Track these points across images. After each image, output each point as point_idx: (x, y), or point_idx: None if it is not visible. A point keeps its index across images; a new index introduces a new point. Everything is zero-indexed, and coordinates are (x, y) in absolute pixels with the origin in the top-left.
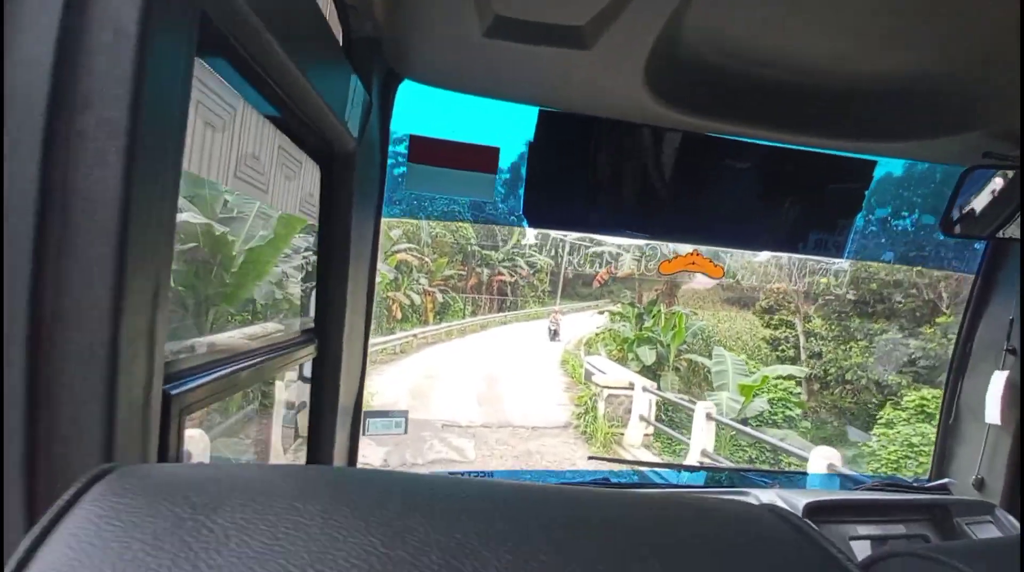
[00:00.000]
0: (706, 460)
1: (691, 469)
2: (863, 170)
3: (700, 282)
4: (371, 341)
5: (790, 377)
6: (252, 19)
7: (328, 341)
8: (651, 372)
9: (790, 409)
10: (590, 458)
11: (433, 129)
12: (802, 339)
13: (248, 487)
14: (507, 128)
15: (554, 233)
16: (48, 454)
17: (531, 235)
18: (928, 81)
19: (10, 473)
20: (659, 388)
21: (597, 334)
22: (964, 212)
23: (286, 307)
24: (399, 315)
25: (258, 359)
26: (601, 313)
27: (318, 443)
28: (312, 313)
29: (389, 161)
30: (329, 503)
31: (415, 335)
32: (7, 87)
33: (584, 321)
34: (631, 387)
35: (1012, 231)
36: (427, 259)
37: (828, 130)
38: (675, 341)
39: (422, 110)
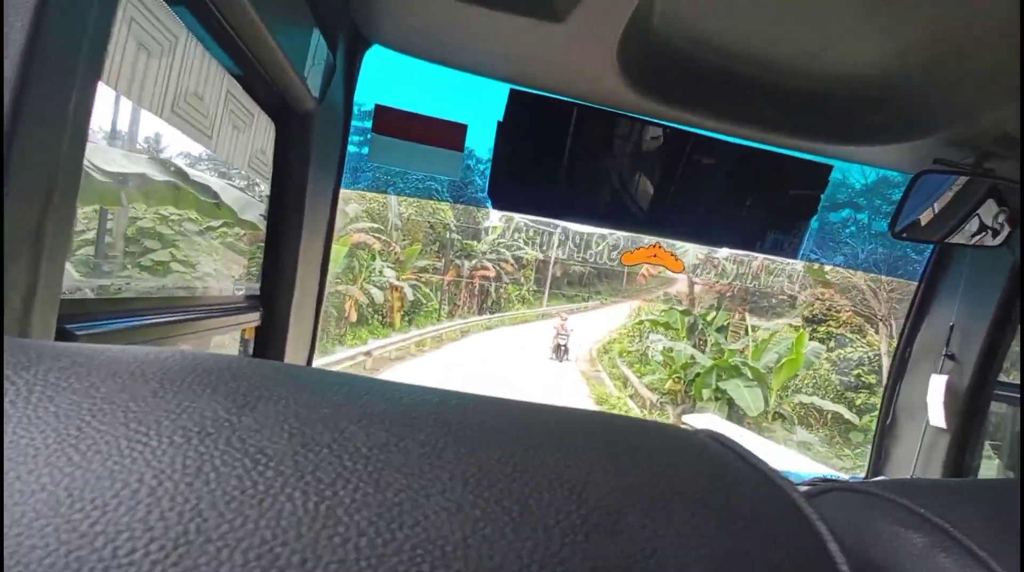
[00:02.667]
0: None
1: None
2: (819, 174)
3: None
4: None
5: None
6: None
7: (274, 310)
8: (738, 419)
9: None
10: None
11: (408, 102)
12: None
13: (120, 365)
14: (483, 107)
15: (543, 221)
16: None
17: (518, 223)
18: (885, 86)
19: None
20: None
21: (620, 347)
22: (913, 217)
23: None
24: (354, 317)
25: (188, 315)
26: (635, 319)
27: None
28: (256, 278)
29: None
30: (195, 378)
31: (369, 353)
32: None
33: (579, 325)
34: None
35: (959, 237)
36: (395, 245)
37: (789, 129)
38: (781, 374)
39: (396, 80)
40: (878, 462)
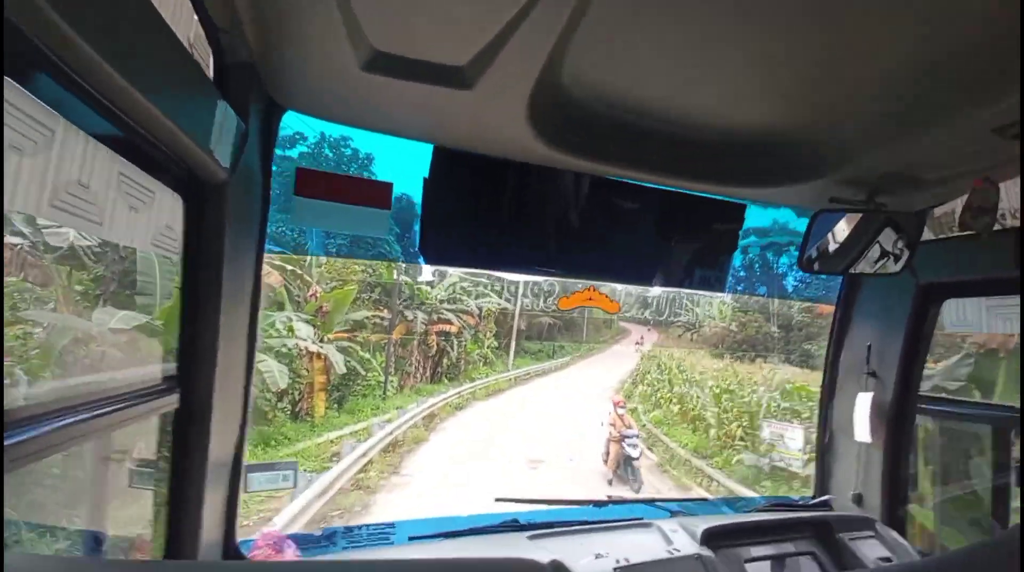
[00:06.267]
0: (613, 496)
1: (599, 504)
2: (736, 212)
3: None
4: None
5: None
6: (72, 35)
7: (193, 390)
8: None
9: None
10: (497, 500)
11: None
12: None
13: None
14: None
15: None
16: None
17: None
18: (782, 133)
19: None
20: None
21: (691, 442)
22: (818, 251)
23: None
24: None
25: (88, 414)
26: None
27: (182, 505)
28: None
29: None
30: None
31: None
32: None
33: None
34: None
35: (863, 266)
36: (316, 287)
37: (699, 175)
38: None
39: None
40: (821, 481)
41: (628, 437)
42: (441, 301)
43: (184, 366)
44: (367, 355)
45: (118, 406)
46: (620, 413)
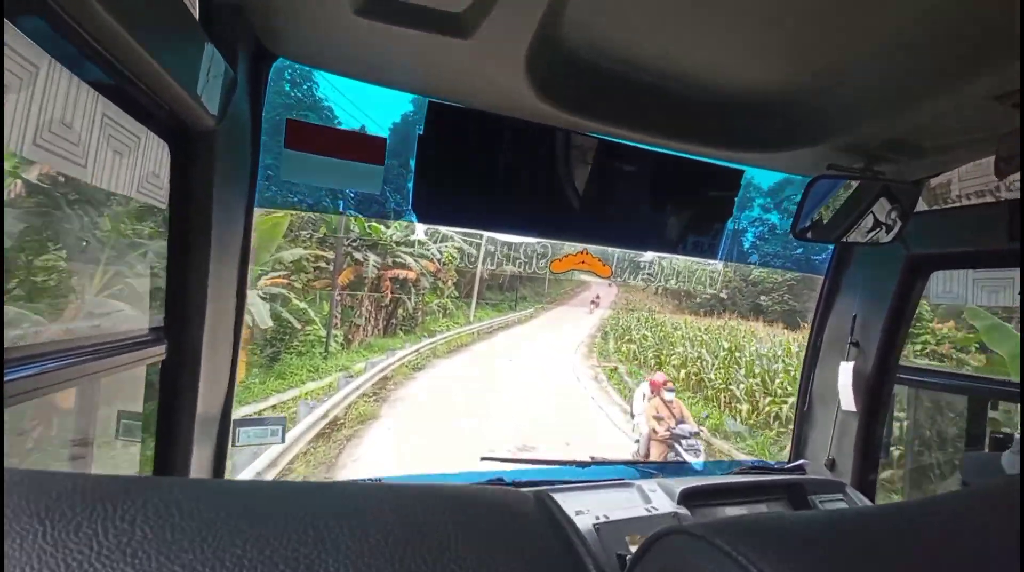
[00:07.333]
0: (596, 456)
1: (582, 465)
2: (732, 178)
3: None
4: None
5: None
6: None
7: (181, 341)
8: None
9: None
10: (483, 459)
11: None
12: None
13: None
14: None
15: None
16: None
17: None
18: (782, 96)
19: None
20: None
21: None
22: (813, 219)
23: None
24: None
25: (71, 359)
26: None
27: (169, 458)
28: (155, 309)
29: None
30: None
31: None
32: None
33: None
34: None
35: (855, 236)
36: None
37: (697, 137)
38: None
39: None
40: (798, 446)
41: (684, 438)
42: (398, 243)
43: (172, 317)
44: (303, 305)
45: (100, 354)
46: (668, 400)
